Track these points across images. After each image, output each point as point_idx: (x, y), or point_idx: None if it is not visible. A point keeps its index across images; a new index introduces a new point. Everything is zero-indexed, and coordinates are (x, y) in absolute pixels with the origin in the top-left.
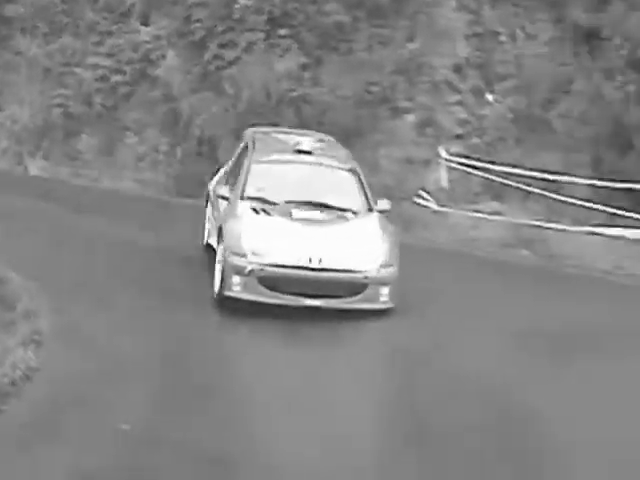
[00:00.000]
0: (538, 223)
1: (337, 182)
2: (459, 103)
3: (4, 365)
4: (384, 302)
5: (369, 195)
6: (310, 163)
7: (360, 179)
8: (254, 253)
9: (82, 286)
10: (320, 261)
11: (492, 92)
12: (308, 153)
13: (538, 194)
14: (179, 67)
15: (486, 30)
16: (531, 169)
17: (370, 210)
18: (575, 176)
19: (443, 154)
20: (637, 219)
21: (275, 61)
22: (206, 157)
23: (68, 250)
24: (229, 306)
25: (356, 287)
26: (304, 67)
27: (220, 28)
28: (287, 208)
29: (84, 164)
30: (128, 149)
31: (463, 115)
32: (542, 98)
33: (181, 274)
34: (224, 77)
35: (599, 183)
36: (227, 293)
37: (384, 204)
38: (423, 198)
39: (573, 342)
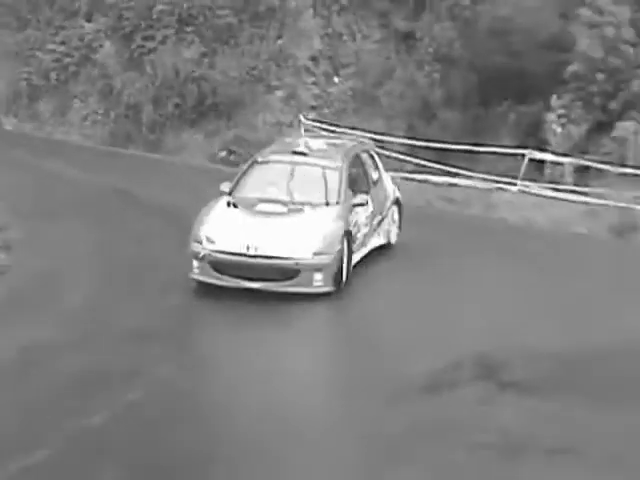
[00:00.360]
0: None
1: (318, 179)
2: (314, 83)
3: None
4: (318, 286)
5: (342, 190)
6: (299, 163)
7: (341, 177)
8: (209, 240)
9: (47, 210)
10: (256, 249)
11: (338, 76)
12: (302, 154)
13: None
14: (113, 53)
15: (334, 31)
16: (364, 131)
17: (337, 203)
18: (395, 137)
19: (302, 119)
20: (438, 169)
21: (182, 50)
22: (131, 119)
23: (32, 184)
24: None
25: (289, 272)
26: (203, 55)
27: (143, 25)
28: (254, 202)
29: (43, 122)
30: (75, 111)
31: (317, 92)
32: (373, 81)
33: (116, 200)
34: (146, 61)
35: (411, 142)
36: (190, 275)
37: (359, 199)
38: None
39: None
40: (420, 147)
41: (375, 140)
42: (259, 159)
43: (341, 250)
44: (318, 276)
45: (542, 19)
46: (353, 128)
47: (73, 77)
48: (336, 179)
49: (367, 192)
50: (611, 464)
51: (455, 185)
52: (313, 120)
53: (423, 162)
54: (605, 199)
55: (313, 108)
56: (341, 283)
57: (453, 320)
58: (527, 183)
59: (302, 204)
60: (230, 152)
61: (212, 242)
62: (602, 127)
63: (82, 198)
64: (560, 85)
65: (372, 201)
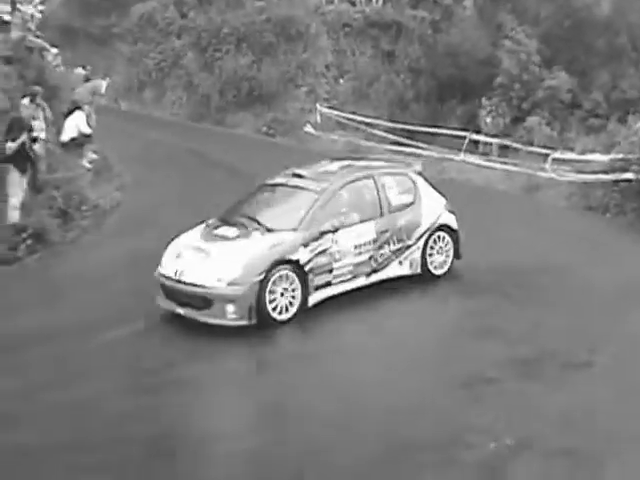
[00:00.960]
0: (362, 142)
1: (297, 202)
2: (327, 83)
3: (108, 199)
4: (231, 319)
5: (308, 216)
6: (293, 186)
7: (316, 201)
8: (163, 264)
9: (148, 164)
10: (180, 274)
11: (342, 79)
12: (300, 177)
13: (363, 129)
14: (193, 60)
15: (340, 49)
16: (360, 115)
17: (293, 230)
18: (380, 120)
19: (318, 107)
20: (410, 144)
21: (239, 59)
22: (204, 104)
23: (140, 146)
24: None
25: (205, 301)
26: (253, 62)
27: (214, 42)
28: (216, 225)
29: (146, 104)
30: (168, 98)
31: (328, 89)
32: (366, 83)
33: (194, 156)
34: (215, 66)
35: (391, 125)
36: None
37: (327, 225)
38: (309, 128)
39: None
40: (397, 128)
41: (367, 123)
42: (267, 181)
43: (265, 281)
44: (230, 308)
45: (480, 45)
46: (352, 113)
47: (166, 75)
48: (309, 203)
49: (374, 218)
50: (521, 340)
51: (419, 155)
52: (327, 107)
53: (399, 138)
54: (518, 168)
55: (326, 100)
56: (266, 317)
57: None
58: (468, 155)
59: (258, 228)
60: (269, 128)
61: (162, 266)
62: (518, 119)
63: (171, 155)
64: (490, 90)
65: (378, 228)
